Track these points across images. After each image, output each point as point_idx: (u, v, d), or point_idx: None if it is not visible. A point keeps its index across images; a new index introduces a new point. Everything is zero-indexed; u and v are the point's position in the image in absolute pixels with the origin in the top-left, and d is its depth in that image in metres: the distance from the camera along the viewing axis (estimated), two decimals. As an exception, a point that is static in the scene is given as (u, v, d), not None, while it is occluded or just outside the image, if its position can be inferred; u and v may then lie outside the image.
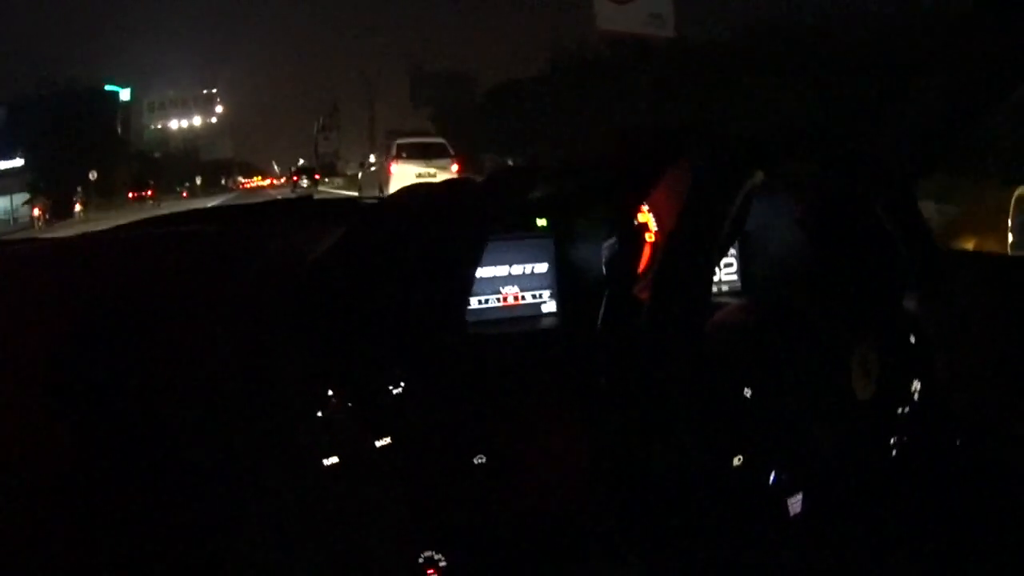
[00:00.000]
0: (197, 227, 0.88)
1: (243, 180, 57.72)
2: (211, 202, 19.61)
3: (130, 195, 32.06)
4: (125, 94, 52.64)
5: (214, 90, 63.47)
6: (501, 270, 0.88)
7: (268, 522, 0.56)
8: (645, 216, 0.86)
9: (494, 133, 22.33)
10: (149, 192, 33.18)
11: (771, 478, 0.64)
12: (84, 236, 0.87)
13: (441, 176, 10.98)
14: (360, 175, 15.60)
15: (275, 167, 63.55)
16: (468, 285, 0.70)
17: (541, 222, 0.88)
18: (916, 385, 0.72)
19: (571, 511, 0.70)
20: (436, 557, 0.61)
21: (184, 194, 35.82)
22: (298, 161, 48.15)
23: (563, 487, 0.70)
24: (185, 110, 60.92)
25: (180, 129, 60.00)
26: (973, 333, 0.83)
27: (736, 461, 0.62)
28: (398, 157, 11.71)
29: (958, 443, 0.78)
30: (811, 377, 0.67)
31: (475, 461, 0.65)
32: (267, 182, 54.34)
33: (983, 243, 1.48)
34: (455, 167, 11.63)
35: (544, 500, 0.69)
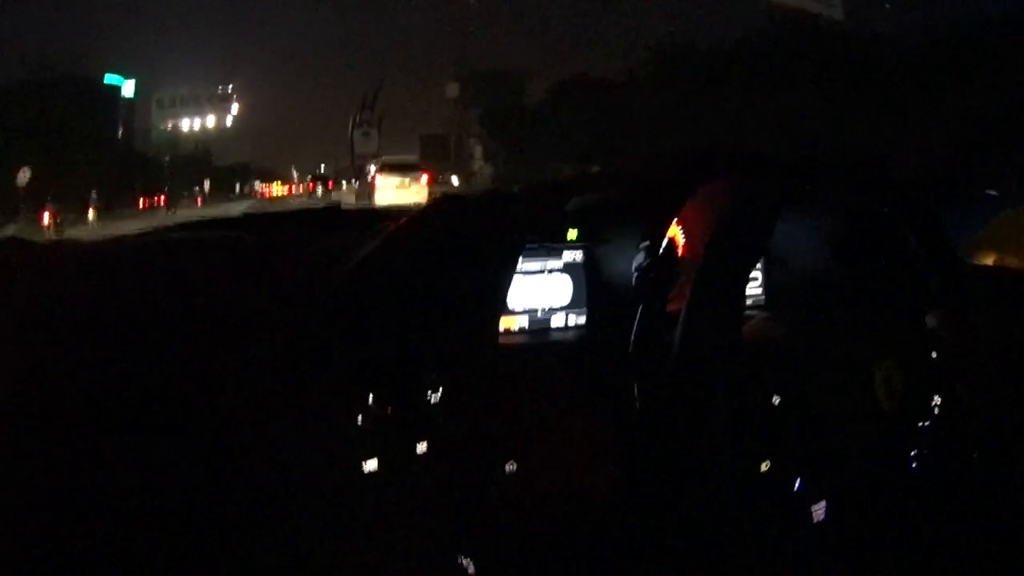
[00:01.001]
0: (237, 233, 0.92)
1: (263, 186, 53.50)
2: (234, 209, 19.83)
3: (141, 202, 33.01)
4: (128, 88, 51.82)
5: (230, 87, 65.70)
6: (532, 280, 0.91)
7: (307, 524, 0.58)
8: (674, 230, 0.92)
9: (561, 137, 20.46)
10: (161, 199, 35.07)
11: (797, 485, 0.67)
12: (125, 240, 0.91)
13: (413, 186, 15.20)
14: (358, 185, 18.40)
15: (294, 173, 61.41)
16: (502, 296, 0.73)
17: (572, 234, 0.91)
18: (937, 400, 0.76)
19: (602, 519, 0.74)
20: (465, 563, 0.63)
21: (199, 200, 34.10)
22: (320, 166, 48.51)
23: (594, 495, 0.74)
24: (198, 109, 66.07)
25: (192, 130, 62.63)
26: (993, 348, 0.87)
27: (764, 467, 0.65)
28: (381, 172, 15.69)
29: (975, 456, 0.81)
30: (836, 389, 0.72)
31: (507, 468, 0.67)
32: (286, 189, 55.68)
33: (1004, 258, 1.49)
34: (425, 178, 15.74)
35: (575, 508, 0.73)
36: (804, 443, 0.69)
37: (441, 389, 0.63)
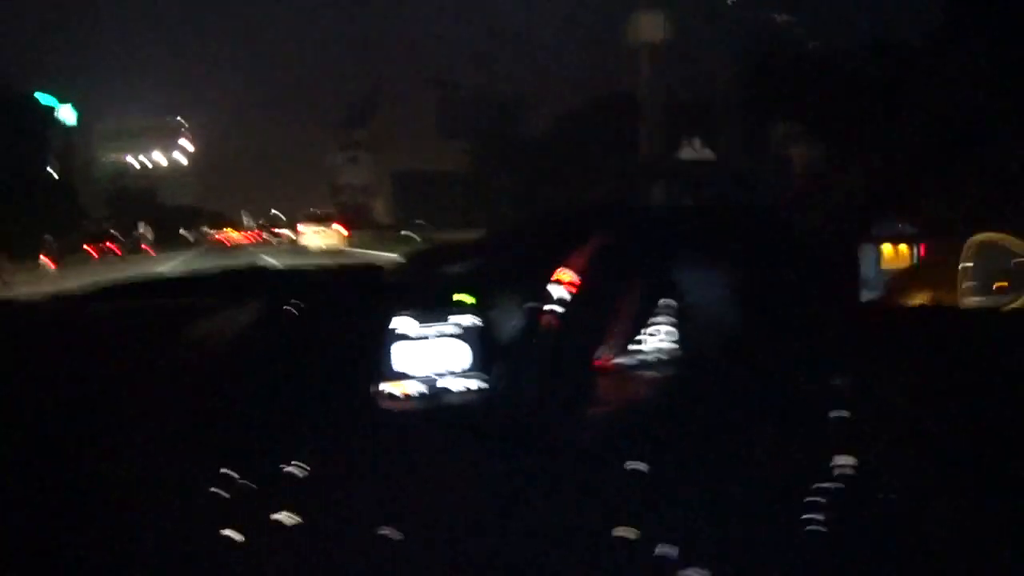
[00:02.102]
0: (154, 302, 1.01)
1: (217, 233, 47.16)
2: (193, 262, 18.67)
3: (86, 247, 28.03)
4: (66, 113, 43.57)
5: (179, 118, 55.74)
6: (425, 345, 0.94)
7: None
8: (566, 275, 0.91)
9: (594, 173, 18.36)
10: (109, 244, 30.29)
11: (656, 550, 0.67)
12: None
13: (329, 234, 19.60)
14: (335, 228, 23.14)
15: (244, 218, 58.14)
16: (377, 363, 0.76)
17: (465, 298, 0.95)
18: (843, 460, 0.75)
19: None
20: None
21: (149, 249, 30.81)
22: (269, 211, 43.90)
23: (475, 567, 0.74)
24: (146, 142, 53.61)
25: (139, 166, 53.00)
26: (910, 398, 0.87)
27: (619, 531, 0.65)
28: (304, 222, 22.26)
29: (888, 519, 0.79)
30: (719, 451, 0.73)
31: (385, 533, 0.69)
32: (242, 236, 48.11)
33: (937, 297, 1.50)
34: (339, 226, 21.38)
35: None
36: (678, 510, 0.69)
37: (306, 459, 0.66)
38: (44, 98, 37.38)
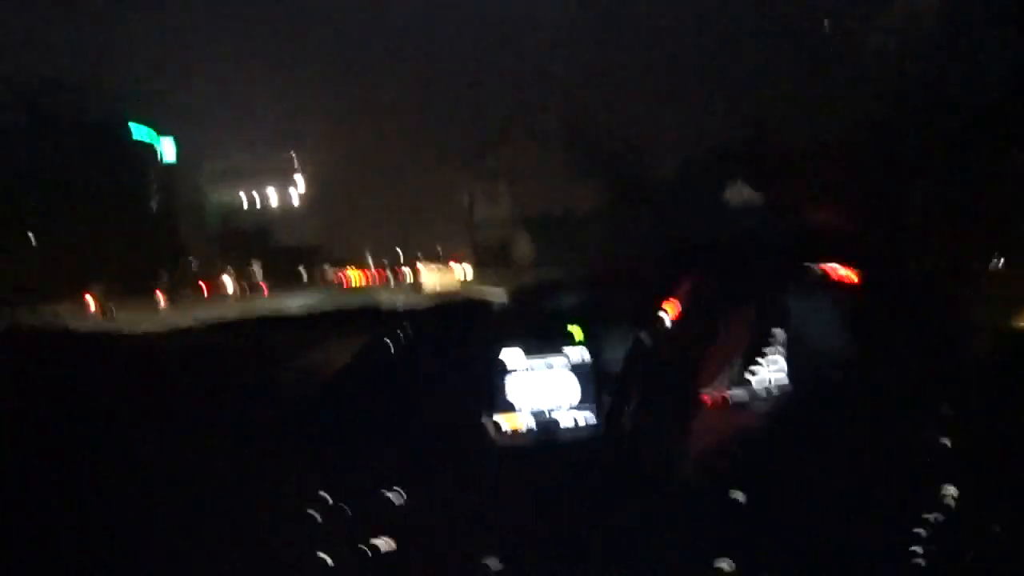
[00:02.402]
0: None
1: (337, 272, 53.22)
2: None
3: (201, 283, 31.11)
4: (168, 150, 46.93)
5: (292, 155, 61.81)
6: (536, 378, 0.97)
7: None
8: (671, 308, 0.95)
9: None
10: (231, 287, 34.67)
11: None
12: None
13: (452, 274, 19.06)
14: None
15: (369, 258, 59.42)
16: (487, 395, 0.79)
17: (576, 332, 0.98)
18: (950, 490, 0.76)
19: None
20: None
21: (262, 286, 33.60)
22: (393, 250, 49.51)
23: None
24: (257, 179, 59.91)
25: (252, 206, 60.51)
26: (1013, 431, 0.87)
27: (721, 563, 0.67)
28: (421, 262, 20.92)
29: (996, 551, 0.77)
30: (826, 479, 0.75)
31: (492, 568, 0.70)
32: (364, 277, 54.94)
33: None
34: (453, 263, 20.31)
35: None
36: (779, 542, 0.70)
37: (404, 490, 0.69)
38: (141, 131, 40.81)
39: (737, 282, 0.80)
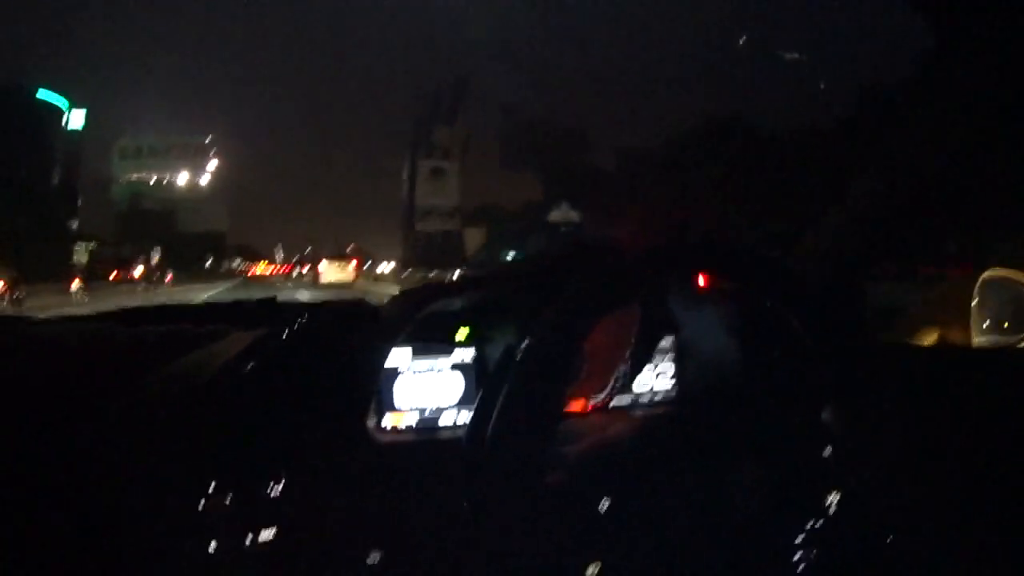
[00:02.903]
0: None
1: (247, 264, 45.26)
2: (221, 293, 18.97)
3: (114, 274, 26.94)
4: (77, 118, 36.64)
5: (208, 139, 49.51)
6: (421, 379, 0.98)
7: None
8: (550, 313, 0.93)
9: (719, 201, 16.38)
10: (139, 273, 28.32)
11: None
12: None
13: (347, 270, 28.34)
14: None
15: (279, 253, 49.24)
16: (365, 397, 0.81)
17: (462, 333, 0.99)
18: (831, 499, 0.76)
19: None
20: None
21: (168, 277, 28.70)
22: (306, 249, 43.86)
23: None
24: (169, 162, 47.79)
25: (161, 186, 47.54)
26: (907, 438, 0.88)
27: (591, 570, 0.66)
28: (325, 259, 30.92)
29: (878, 559, 0.77)
30: (699, 489, 0.75)
31: (368, 561, 0.70)
32: (269, 269, 46.12)
33: (948, 334, 1.43)
34: (353, 264, 29.36)
35: None
36: (647, 549, 0.71)
37: (283, 482, 0.69)
38: (49, 96, 31.92)
39: (614, 287, 0.76)
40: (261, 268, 46.83)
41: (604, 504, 0.72)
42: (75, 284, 19.67)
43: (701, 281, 0.94)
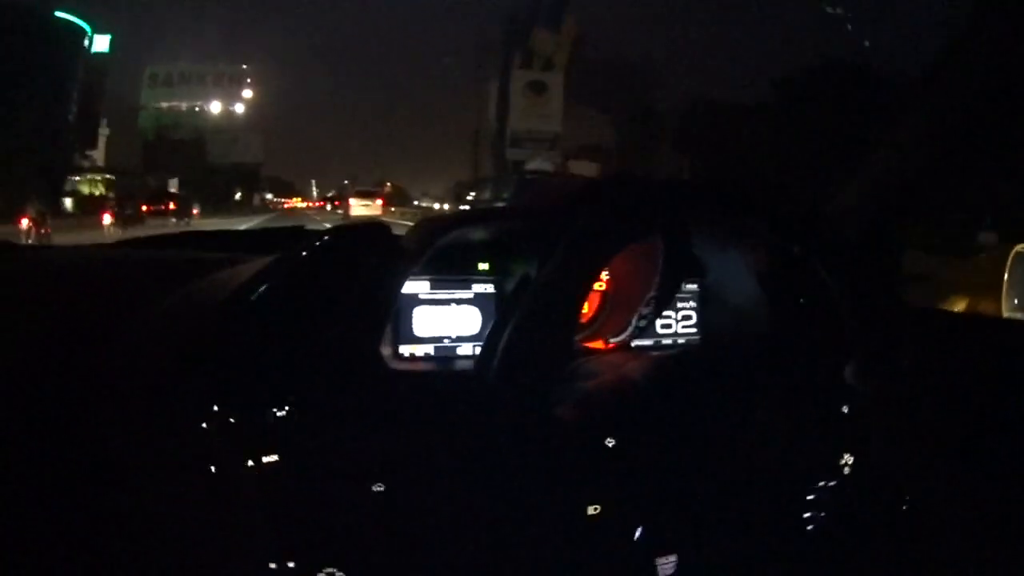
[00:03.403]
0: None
1: (280, 200, 44.98)
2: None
3: (144, 208, 25.89)
4: (101, 42, 34.45)
5: (244, 67, 46.48)
6: (439, 310, 0.98)
7: (148, 522, 0.65)
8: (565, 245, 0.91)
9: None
10: (171, 205, 27.46)
11: (637, 534, 0.68)
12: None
13: (374, 207, 27.64)
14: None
15: (314, 189, 49.23)
16: (379, 324, 0.80)
17: (483, 265, 0.99)
18: (847, 459, 0.76)
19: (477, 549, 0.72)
20: (337, 574, 0.65)
21: (195, 211, 28.07)
22: (343, 182, 43.40)
23: (460, 527, 0.72)
24: (202, 90, 44.89)
25: (192, 115, 44.69)
26: (930, 401, 0.88)
27: (591, 510, 0.67)
28: (353, 196, 31.35)
29: (890, 524, 0.77)
30: (709, 440, 0.74)
31: (373, 489, 0.68)
32: (304, 203, 45.25)
33: (977, 304, 1.45)
34: (380, 202, 28.93)
35: (448, 535, 0.72)
36: (652, 491, 0.70)
37: (288, 407, 0.68)
38: (68, 17, 29.73)
39: (630, 221, 0.75)
40: (297, 202, 45.62)
41: (610, 442, 0.71)
42: (107, 218, 19.32)
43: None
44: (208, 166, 41.43)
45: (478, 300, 1.01)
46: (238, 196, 42.37)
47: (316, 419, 0.70)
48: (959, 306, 1.47)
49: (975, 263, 1.68)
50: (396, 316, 0.94)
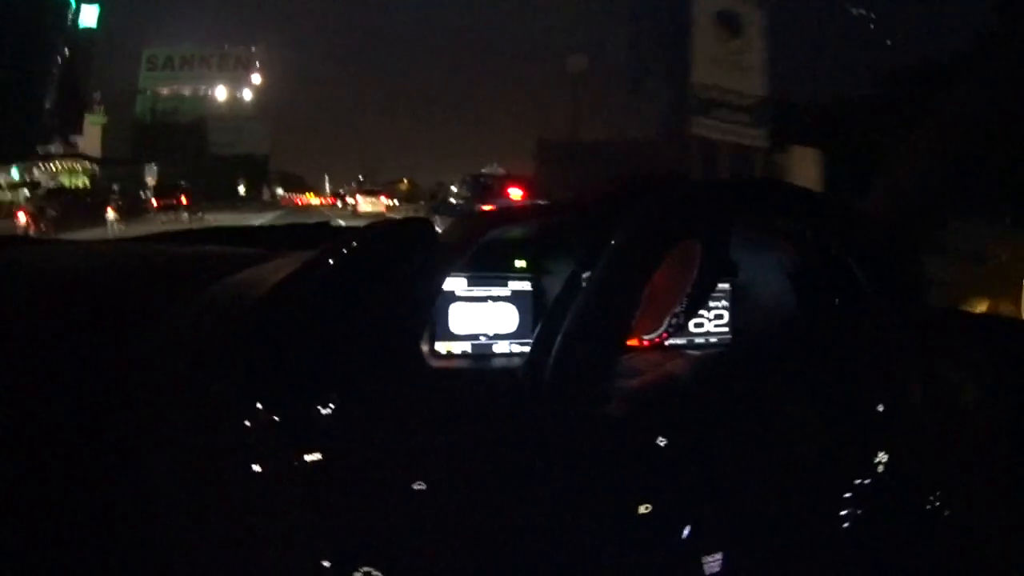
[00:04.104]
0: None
1: (291, 195, 42.08)
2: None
3: (154, 203, 25.01)
4: (89, 15, 30.70)
5: (253, 49, 42.43)
6: (476, 307, 0.98)
7: (189, 520, 0.65)
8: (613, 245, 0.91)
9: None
10: (183, 199, 26.40)
11: (685, 532, 0.69)
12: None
13: (378, 204, 32.13)
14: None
15: (327, 184, 46.82)
16: (420, 321, 0.80)
17: (520, 263, 0.99)
18: (881, 457, 0.77)
19: (522, 548, 0.71)
20: (374, 574, 0.65)
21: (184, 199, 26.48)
22: (358, 177, 42.87)
23: (513, 522, 0.72)
24: (205, 74, 41.47)
25: (194, 101, 41.00)
26: (967, 401, 0.87)
27: (643, 509, 0.67)
28: (360, 194, 36.00)
29: (922, 524, 0.78)
30: (753, 437, 0.75)
31: (414, 487, 0.69)
32: (318, 200, 43.33)
33: (998, 305, 1.45)
34: (383, 198, 33.32)
35: (491, 532, 0.72)
36: (699, 490, 0.71)
37: (333, 404, 0.69)
38: None
39: (681, 225, 0.76)
40: (310, 197, 43.88)
41: (662, 440, 0.71)
42: (110, 213, 17.92)
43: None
44: (211, 156, 38.58)
45: (515, 298, 1.01)
46: (241, 189, 39.21)
47: (359, 417, 0.71)
48: (979, 308, 1.47)
49: (996, 266, 1.69)
50: (433, 313, 0.94)
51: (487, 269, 0.98)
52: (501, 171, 25.22)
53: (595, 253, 0.77)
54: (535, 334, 0.78)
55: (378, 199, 32.90)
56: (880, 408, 0.79)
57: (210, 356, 0.73)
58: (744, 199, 0.82)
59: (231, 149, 40.85)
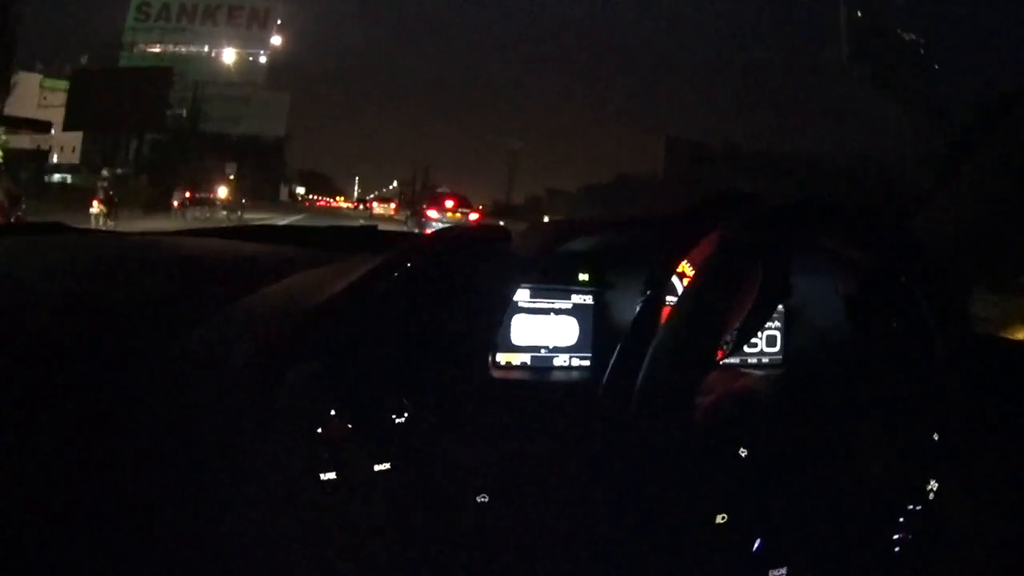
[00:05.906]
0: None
1: (316, 197, 40.07)
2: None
3: (187, 196, 21.46)
4: None
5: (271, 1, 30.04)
6: (537, 319, 0.97)
7: (262, 528, 0.62)
8: (685, 267, 0.92)
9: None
10: (222, 194, 24.14)
11: (756, 545, 0.69)
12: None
13: (387, 209, 38.78)
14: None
15: (356, 188, 45.63)
16: (491, 331, 0.78)
17: (583, 276, 0.98)
18: (933, 485, 0.77)
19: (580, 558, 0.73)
20: None
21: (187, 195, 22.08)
22: (391, 184, 43.57)
23: (568, 541, 0.73)
24: (210, 30, 28.69)
25: (195, 64, 28.38)
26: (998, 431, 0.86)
27: (720, 519, 0.68)
28: (376, 201, 44.66)
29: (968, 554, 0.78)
30: (821, 456, 0.75)
31: (477, 499, 0.68)
32: (347, 204, 42.92)
33: None
34: (393, 205, 39.43)
35: (551, 546, 0.72)
36: (771, 504, 0.71)
37: (407, 414, 0.67)
38: None
39: (753, 248, 0.75)
40: (340, 201, 42.64)
41: (743, 452, 0.72)
42: (95, 206, 14.45)
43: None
44: (209, 138, 28.94)
45: (577, 311, 1.00)
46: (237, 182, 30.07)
47: (428, 427, 0.70)
48: (1020, 335, 1.44)
49: None
50: (497, 324, 0.92)
51: (551, 281, 0.97)
52: (445, 189, 27.80)
53: (670, 271, 0.79)
54: (615, 355, 0.80)
55: (388, 205, 38.47)
56: (935, 437, 0.79)
57: (282, 358, 0.70)
58: (820, 222, 0.83)
59: (236, 130, 31.59)
